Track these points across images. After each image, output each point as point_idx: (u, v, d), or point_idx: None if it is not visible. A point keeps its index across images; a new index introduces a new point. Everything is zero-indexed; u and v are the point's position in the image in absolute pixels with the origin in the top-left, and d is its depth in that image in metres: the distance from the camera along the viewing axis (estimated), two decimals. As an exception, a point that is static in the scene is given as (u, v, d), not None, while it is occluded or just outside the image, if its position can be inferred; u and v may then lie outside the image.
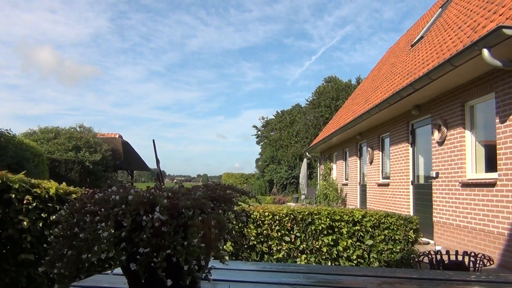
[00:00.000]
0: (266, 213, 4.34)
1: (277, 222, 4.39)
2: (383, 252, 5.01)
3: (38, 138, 23.97)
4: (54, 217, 2.95)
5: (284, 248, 4.39)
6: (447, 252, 3.63)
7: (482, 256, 3.35)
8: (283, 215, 4.43)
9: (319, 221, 4.63)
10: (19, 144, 18.49)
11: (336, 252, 4.69)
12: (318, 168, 22.27)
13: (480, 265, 3.19)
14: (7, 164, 16.62)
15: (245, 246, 4.18)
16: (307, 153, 22.47)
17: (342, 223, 4.79)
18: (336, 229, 4.76)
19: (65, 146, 23.77)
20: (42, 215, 2.92)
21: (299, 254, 4.49)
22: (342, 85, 30.80)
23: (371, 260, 4.94)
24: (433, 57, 7.95)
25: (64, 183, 3.21)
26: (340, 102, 28.45)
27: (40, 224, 2.89)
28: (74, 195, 3.11)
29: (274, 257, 4.34)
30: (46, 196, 2.95)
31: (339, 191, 16.93)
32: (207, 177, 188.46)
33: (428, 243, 8.70)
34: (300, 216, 4.53)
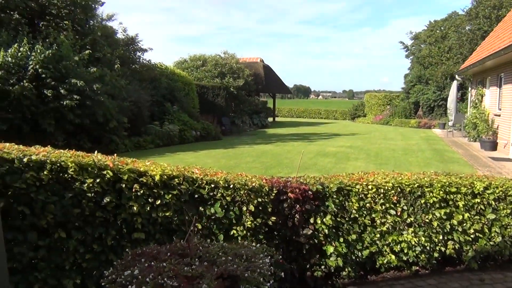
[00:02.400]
0: (370, 186, 4.20)
1: (382, 195, 4.23)
2: (508, 227, 4.54)
3: (188, 66, 26.03)
4: (159, 201, 3.36)
5: (389, 221, 4.26)
6: None
7: None
8: (389, 188, 4.24)
9: (431, 194, 4.34)
10: (171, 75, 20.44)
11: (449, 226, 4.40)
12: (469, 94, 20.08)
13: None
14: (162, 95, 18.66)
15: (346, 219, 4.17)
16: (457, 76, 20.27)
17: (459, 196, 4.41)
18: (450, 202, 4.42)
19: (212, 73, 25.44)
20: (149, 200, 3.35)
21: (406, 227, 4.33)
22: (508, -10, 26.10)
23: (493, 234, 4.52)
24: None
25: (165, 165, 3.56)
26: (503, 11, 24.39)
27: (148, 208, 3.33)
28: (176, 180, 3.46)
29: (378, 229, 4.26)
30: (152, 183, 3.35)
31: (490, 122, 15.19)
32: (353, 93, 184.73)
33: None
34: (409, 189, 4.29)
